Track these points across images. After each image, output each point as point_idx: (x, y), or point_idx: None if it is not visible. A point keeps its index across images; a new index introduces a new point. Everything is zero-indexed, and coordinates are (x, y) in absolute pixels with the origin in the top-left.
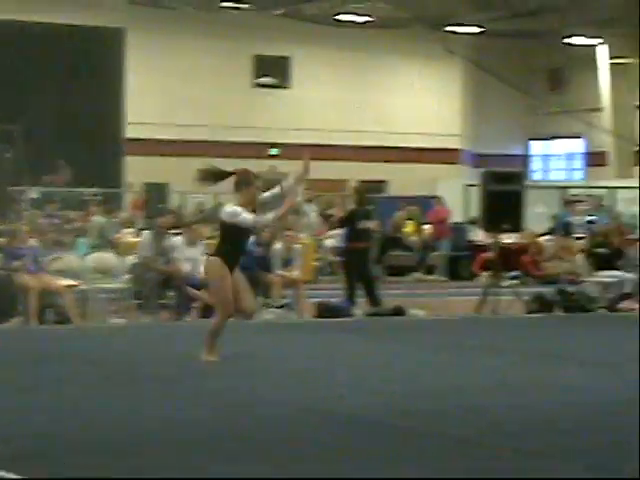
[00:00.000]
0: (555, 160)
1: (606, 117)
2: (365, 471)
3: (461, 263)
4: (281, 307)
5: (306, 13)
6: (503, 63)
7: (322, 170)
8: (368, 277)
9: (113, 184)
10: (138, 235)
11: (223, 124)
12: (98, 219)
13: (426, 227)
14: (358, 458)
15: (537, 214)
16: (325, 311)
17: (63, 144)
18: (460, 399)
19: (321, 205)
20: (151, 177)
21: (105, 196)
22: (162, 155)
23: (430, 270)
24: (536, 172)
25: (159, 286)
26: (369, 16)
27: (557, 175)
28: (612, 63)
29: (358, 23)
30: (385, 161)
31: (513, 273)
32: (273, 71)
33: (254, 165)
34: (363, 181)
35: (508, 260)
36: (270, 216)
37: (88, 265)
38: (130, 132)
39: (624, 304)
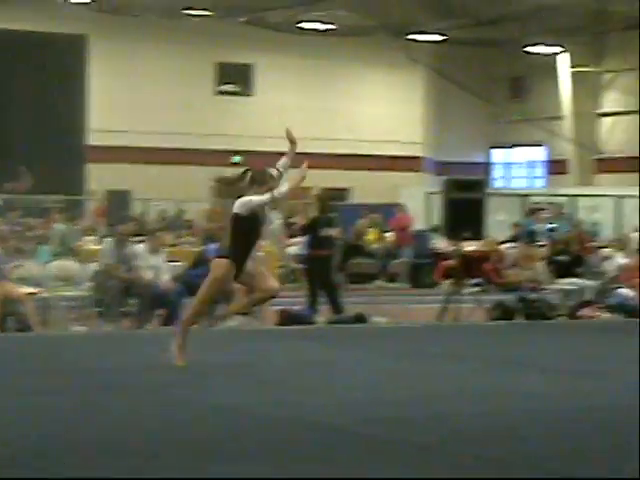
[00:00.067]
0: (516, 168)
1: (567, 125)
2: (326, 478)
3: (423, 271)
4: (244, 314)
5: (269, 21)
6: (465, 71)
7: None
8: (330, 285)
9: (75, 191)
10: (100, 243)
11: (186, 132)
12: (60, 227)
13: (388, 235)
14: (319, 464)
15: (498, 222)
16: (287, 318)
17: (24, 151)
18: (422, 406)
19: (284, 213)
20: (113, 184)
21: (67, 203)
22: (124, 162)
23: (392, 278)
24: (497, 180)
25: (121, 294)
26: (332, 24)
27: (518, 183)
28: (573, 71)
29: (321, 31)
30: (347, 169)
31: (475, 281)
32: (236, 78)
33: (216, 173)
34: (326, 189)
35: (470, 268)
36: (285, 187)
37: (50, 273)
38: (92, 139)
39: (584, 311)
